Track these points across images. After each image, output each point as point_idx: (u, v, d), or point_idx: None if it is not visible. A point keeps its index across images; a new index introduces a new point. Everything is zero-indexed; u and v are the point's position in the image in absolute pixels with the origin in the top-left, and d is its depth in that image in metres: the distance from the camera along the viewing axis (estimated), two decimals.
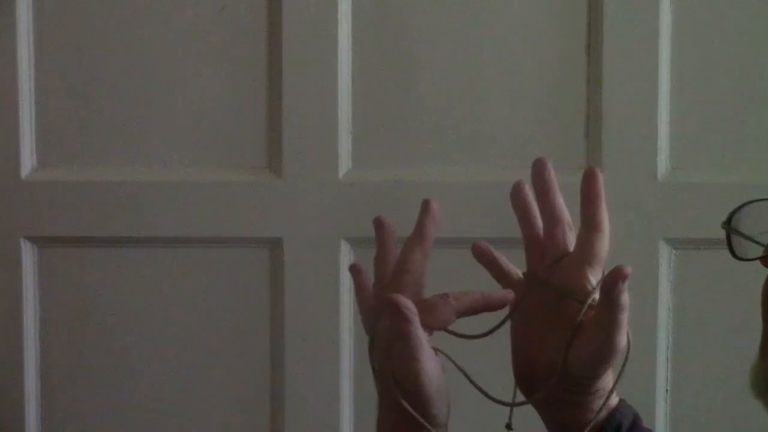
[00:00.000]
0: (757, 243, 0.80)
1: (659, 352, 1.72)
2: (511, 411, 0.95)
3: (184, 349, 1.77)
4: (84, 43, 1.74)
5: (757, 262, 0.81)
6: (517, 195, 0.97)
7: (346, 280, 1.73)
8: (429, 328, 0.89)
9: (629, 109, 1.70)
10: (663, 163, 1.71)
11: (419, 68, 1.72)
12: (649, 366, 1.71)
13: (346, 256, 1.72)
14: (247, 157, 1.74)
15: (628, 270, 0.86)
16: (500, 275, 0.97)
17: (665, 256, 1.71)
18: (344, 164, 1.73)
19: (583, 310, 0.90)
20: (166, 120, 1.74)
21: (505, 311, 0.95)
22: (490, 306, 0.91)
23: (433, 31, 1.72)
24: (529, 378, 0.93)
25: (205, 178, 1.74)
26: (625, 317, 0.88)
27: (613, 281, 0.86)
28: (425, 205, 0.95)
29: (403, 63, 1.72)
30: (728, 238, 0.82)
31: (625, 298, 0.87)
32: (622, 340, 0.88)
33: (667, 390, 1.73)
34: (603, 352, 0.89)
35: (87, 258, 1.76)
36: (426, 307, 0.89)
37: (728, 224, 0.81)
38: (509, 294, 0.92)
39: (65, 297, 1.77)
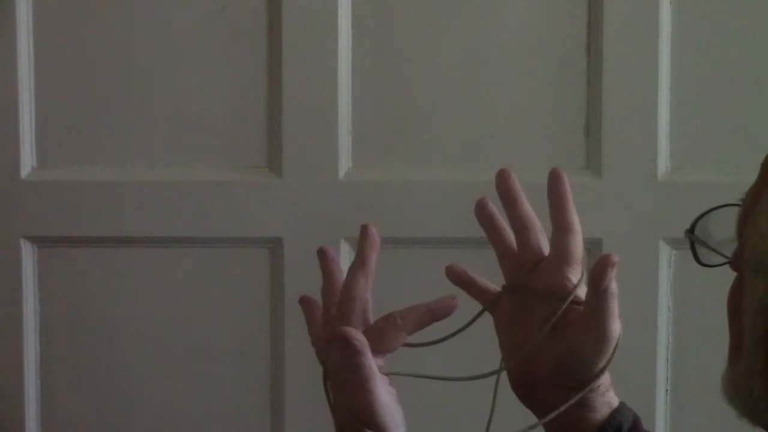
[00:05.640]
0: (717, 252, 0.79)
1: (659, 352, 1.72)
2: (490, 421, 0.95)
3: (183, 349, 1.77)
4: (84, 44, 1.74)
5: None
6: (482, 212, 0.97)
7: None
8: (380, 353, 0.90)
9: (629, 109, 1.70)
10: (663, 163, 1.71)
11: (419, 68, 1.72)
12: (649, 366, 1.71)
13: (346, 256, 1.72)
14: (247, 157, 1.74)
15: (616, 258, 0.87)
16: (479, 294, 0.97)
17: (665, 256, 1.71)
18: (344, 164, 1.73)
19: (564, 305, 0.91)
20: (166, 120, 1.74)
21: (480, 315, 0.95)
22: (436, 317, 0.91)
23: (433, 31, 1.72)
24: (530, 387, 0.94)
25: (205, 178, 1.74)
26: (616, 304, 0.89)
27: (602, 269, 0.87)
28: (363, 231, 0.95)
29: (403, 63, 1.73)
30: (692, 245, 0.82)
31: (614, 285, 0.88)
32: (616, 326, 0.90)
33: (667, 390, 1.73)
34: (599, 342, 0.90)
35: (87, 258, 1.76)
36: (374, 333, 0.90)
37: (691, 233, 0.81)
38: (453, 300, 0.92)
39: (65, 297, 1.77)
